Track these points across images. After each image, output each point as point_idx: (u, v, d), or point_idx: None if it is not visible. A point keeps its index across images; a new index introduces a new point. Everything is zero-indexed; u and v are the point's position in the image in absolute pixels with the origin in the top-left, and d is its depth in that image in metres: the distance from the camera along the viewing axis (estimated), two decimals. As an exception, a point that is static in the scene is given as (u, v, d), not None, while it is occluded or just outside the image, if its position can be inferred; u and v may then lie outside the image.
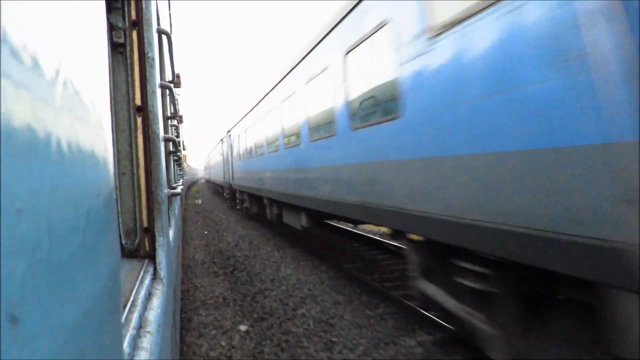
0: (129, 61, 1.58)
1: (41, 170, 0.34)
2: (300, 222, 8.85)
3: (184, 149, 14.33)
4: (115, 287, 0.61)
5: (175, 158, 3.63)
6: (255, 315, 5.80)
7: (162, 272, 1.56)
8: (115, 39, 1.55)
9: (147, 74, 1.61)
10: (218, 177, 29.19)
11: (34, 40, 0.35)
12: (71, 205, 0.41)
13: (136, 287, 1.22)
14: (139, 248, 1.59)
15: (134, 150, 1.58)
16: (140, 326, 1.05)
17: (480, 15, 2.93)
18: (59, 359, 0.35)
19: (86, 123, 0.50)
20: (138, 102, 1.59)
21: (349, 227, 12.77)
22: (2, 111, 0.28)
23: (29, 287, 0.30)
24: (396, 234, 4.97)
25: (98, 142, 0.55)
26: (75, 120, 0.45)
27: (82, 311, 0.42)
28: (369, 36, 4.81)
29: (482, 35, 2.91)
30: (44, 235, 0.33)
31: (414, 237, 4.33)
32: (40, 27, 0.37)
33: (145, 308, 1.16)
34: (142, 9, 1.61)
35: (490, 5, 2.84)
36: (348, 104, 5.48)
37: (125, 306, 1.06)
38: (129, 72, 1.59)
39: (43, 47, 0.37)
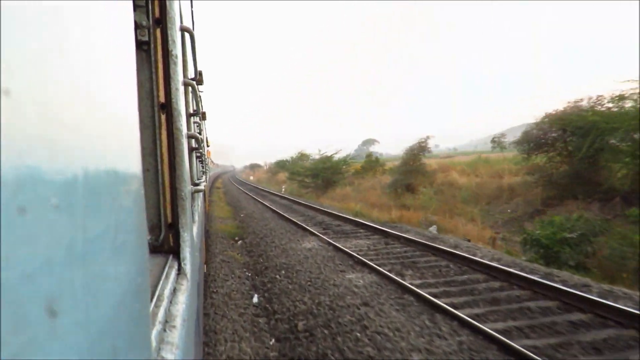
0: (152, 59, 1.60)
1: (76, 167, 0.34)
2: None
3: (207, 145, 14.14)
4: (143, 282, 0.62)
5: (197, 154, 3.69)
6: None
7: (187, 268, 1.58)
8: (139, 37, 1.57)
9: (171, 71, 1.62)
10: None
11: (69, 39, 0.35)
12: (104, 202, 0.42)
13: (161, 282, 1.24)
14: (163, 243, 1.61)
15: (158, 147, 1.60)
16: (165, 321, 1.06)
17: None
18: (92, 352, 0.35)
19: (116, 121, 0.50)
20: (162, 99, 1.61)
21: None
22: (34, 110, 0.28)
23: (65, 281, 0.30)
24: None
25: (127, 139, 0.55)
26: (107, 118, 0.45)
27: (113, 306, 0.43)
28: None
29: None
30: (78, 231, 0.34)
31: None
32: (73, 26, 0.37)
33: (170, 303, 1.18)
34: (165, 7, 1.62)
35: None
36: None
37: (151, 301, 1.08)
38: (153, 70, 1.60)
39: (75, 46, 0.37)
